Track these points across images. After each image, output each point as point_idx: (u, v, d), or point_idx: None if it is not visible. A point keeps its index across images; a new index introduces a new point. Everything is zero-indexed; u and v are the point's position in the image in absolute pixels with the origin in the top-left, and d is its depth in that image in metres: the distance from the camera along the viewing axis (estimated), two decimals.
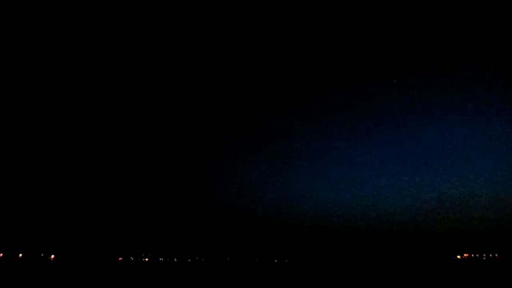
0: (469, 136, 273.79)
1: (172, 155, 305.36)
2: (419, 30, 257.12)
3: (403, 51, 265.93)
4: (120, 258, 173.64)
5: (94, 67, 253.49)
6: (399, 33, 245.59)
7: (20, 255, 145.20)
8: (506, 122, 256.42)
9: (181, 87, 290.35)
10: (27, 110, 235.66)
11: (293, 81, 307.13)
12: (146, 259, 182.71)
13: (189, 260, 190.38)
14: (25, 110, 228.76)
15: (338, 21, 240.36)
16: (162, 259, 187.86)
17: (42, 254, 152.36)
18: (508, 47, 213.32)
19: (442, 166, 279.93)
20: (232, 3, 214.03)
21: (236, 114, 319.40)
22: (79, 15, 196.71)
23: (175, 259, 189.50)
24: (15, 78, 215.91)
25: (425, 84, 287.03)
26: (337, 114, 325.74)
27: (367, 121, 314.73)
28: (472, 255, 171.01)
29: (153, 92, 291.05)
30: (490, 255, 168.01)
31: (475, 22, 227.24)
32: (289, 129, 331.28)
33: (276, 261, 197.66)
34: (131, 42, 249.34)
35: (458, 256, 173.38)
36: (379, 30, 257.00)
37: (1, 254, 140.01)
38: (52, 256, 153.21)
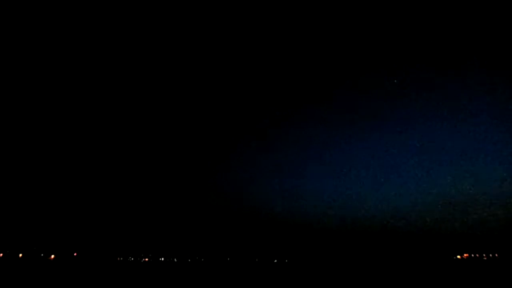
0: (469, 136, 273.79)
1: (172, 156, 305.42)
2: (419, 30, 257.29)
3: (403, 51, 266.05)
4: (120, 258, 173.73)
5: (102, 67, 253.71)
6: (400, 33, 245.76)
7: (20, 255, 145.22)
8: (506, 123, 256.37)
9: (188, 87, 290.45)
10: (27, 110, 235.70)
11: (298, 82, 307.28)
12: (146, 259, 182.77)
13: (189, 260, 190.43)
14: (25, 110, 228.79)
15: (346, 22, 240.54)
16: (162, 259, 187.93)
17: (42, 254, 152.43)
18: (509, 47, 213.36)
19: (442, 166, 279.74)
20: (239, 5, 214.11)
21: (238, 114, 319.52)
22: (79, 15, 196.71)
23: (175, 259, 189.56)
24: (15, 78, 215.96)
25: (426, 85, 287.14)
26: (337, 115, 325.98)
27: (368, 122, 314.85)
28: (472, 255, 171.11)
29: (157, 92, 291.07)
30: (490, 255, 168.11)
31: (475, 22, 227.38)
32: (289, 129, 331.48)
33: (276, 261, 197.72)
34: (138, 43, 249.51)
35: (458, 256, 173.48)
36: (380, 31, 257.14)
37: (1, 254, 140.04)
38: (52, 256, 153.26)
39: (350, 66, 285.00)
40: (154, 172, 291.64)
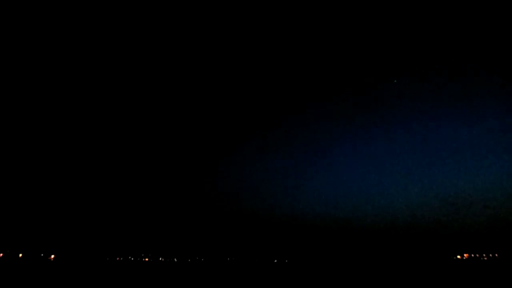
0: (470, 136, 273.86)
1: (172, 156, 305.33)
2: (419, 31, 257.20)
3: (403, 51, 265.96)
4: (120, 258, 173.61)
5: (102, 68, 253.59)
6: (400, 33, 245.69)
7: (20, 255, 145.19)
8: (506, 123, 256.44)
9: (188, 88, 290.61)
10: (27, 110, 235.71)
11: (300, 82, 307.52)
12: (146, 259, 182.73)
13: (189, 260, 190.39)
14: (25, 110, 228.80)
15: (346, 23, 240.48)
16: (162, 259, 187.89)
17: (42, 254, 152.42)
18: (508, 47, 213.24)
19: (443, 167, 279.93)
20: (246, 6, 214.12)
21: (238, 115, 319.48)
22: (79, 15, 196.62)
23: (175, 259, 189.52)
24: (15, 78, 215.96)
25: (428, 84, 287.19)
26: (337, 115, 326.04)
27: (371, 122, 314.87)
28: (472, 255, 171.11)
29: (158, 93, 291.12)
30: (490, 255, 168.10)
31: (475, 22, 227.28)
32: (290, 129, 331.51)
33: (276, 261, 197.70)
34: (138, 43, 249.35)
35: (458, 256, 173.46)
36: (380, 31, 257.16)
37: (1, 254, 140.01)
38: (52, 256, 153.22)
39: (350, 67, 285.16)
40: (154, 172, 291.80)
